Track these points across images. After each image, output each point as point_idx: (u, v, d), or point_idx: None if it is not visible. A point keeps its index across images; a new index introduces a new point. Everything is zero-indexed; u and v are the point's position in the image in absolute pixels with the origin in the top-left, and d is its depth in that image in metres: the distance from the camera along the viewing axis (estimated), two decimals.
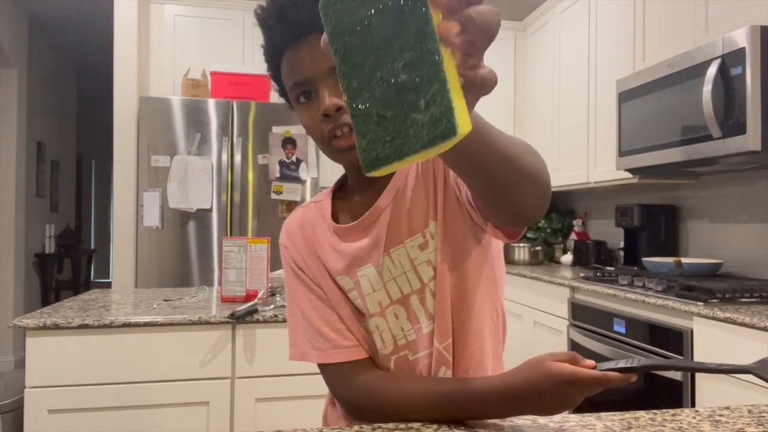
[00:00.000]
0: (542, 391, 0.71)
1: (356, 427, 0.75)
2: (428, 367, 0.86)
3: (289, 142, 3.33)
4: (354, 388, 0.84)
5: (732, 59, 1.98)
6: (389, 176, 0.86)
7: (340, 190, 0.95)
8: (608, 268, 2.96)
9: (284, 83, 0.83)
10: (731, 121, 1.98)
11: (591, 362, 0.73)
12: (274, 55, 0.83)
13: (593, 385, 0.70)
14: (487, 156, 0.56)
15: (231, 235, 3.26)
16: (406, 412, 0.79)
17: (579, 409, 1.61)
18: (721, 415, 0.81)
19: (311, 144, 3.35)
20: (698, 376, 1.88)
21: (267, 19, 0.80)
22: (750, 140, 1.92)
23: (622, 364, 0.72)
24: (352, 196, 0.92)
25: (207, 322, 1.75)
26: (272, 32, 0.81)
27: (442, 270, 0.84)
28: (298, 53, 0.79)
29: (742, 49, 1.94)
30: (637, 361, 0.72)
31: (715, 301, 1.93)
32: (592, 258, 3.39)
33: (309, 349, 0.88)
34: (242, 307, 1.77)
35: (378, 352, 0.87)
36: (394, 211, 0.86)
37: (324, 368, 0.88)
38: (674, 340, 1.97)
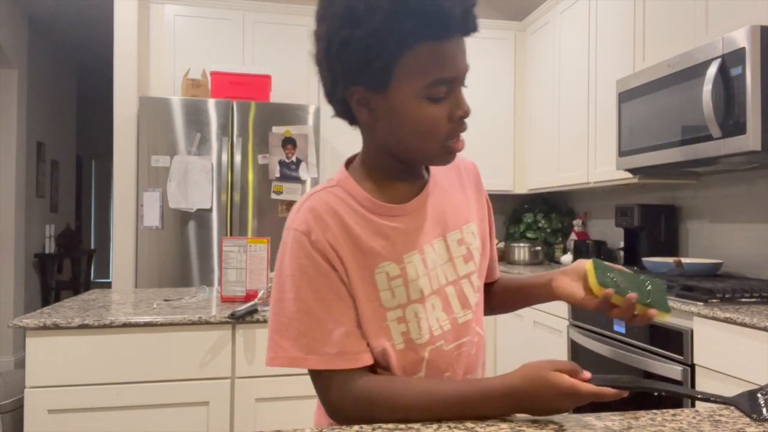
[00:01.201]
0: (540, 398, 0.76)
1: (356, 427, 0.75)
2: (464, 357, 0.90)
3: (289, 142, 3.33)
4: (348, 395, 0.81)
5: (732, 59, 1.98)
6: (427, 170, 0.93)
7: (362, 177, 0.89)
8: None
9: (413, 72, 0.78)
10: (731, 121, 1.98)
11: (588, 374, 0.77)
12: (402, 37, 0.76)
13: (589, 398, 0.75)
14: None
15: (231, 235, 3.26)
16: (404, 416, 0.78)
17: (579, 409, 1.61)
18: (721, 415, 0.81)
19: (311, 144, 3.36)
20: (698, 375, 1.88)
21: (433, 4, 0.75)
22: (750, 140, 1.92)
23: (613, 379, 0.78)
24: (389, 184, 0.88)
25: (207, 322, 1.75)
26: (426, 17, 0.75)
27: (480, 269, 0.94)
28: (450, 49, 0.78)
29: (742, 49, 1.94)
30: (632, 380, 0.80)
31: (715, 301, 1.93)
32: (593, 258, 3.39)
33: (303, 353, 0.81)
34: (242, 307, 1.77)
35: (413, 341, 0.85)
36: (438, 203, 0.90)
37: (318, 373, 0.82)
38: (674, 340, 1.97)
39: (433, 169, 0.94)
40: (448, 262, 0.89)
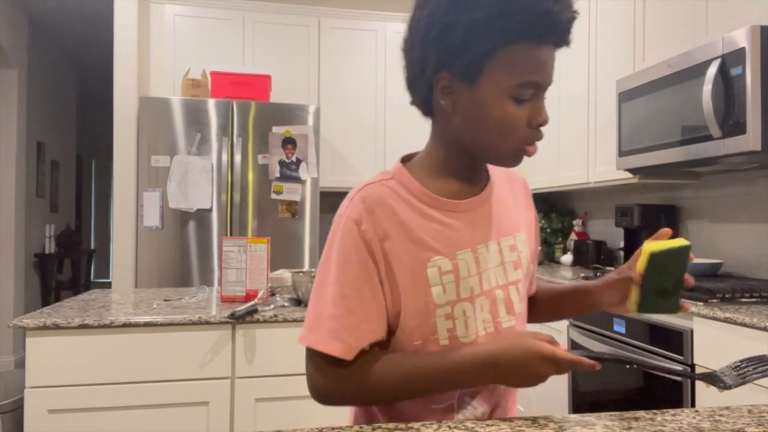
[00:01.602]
0: (520, 364, 0.77)
1: (356, 427, 0.75)
2: None
3: (289, 142, 3.33)
4: (344, 379, 0.81)
5: (732, 59, 1.98)
6: (488, 171, 0.93)
7: (421, 171, 0.89)
8: (608, 268, 2.97)
9: (505, 69, 0.79)
10: (731, 121, 1.98)
11: (563, 347, 0.81)
12: (503, 32, 0.77)
13: (568, 366, 0.77)
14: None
15: (231, 235, 3.26)
16: (390, 397, 0.83)
17: (579, 409, 1.61)
18: (721, 415, 0.81)
19: (311, 144, 3.36)
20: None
21: (551, 7, 0.77)
22: (750, 140, 1.92)
23: (588, 351, 0.82)
24: (448, 180, 0.88)
25: (207, 322, 1.75)
26: (531, 17, 0.76)
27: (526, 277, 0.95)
28: (544, 55, 0.80)
29: (742, 49, 1.94)
30: (608, 353, 0.82)
31: (715, 301, 1.92)
32: (592, 258, 3.39)
33: (328, 337, 0.80)
34: (242, 307, 1.77)
35: (458, 339, 0.85)
36: (495, 207, 0.90)
37: (319, 356, 0.81)
38: (674, 340, 1.97)
39: (492, 173, 0.94)
40: (500, 266, 0.88)
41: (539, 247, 1.04)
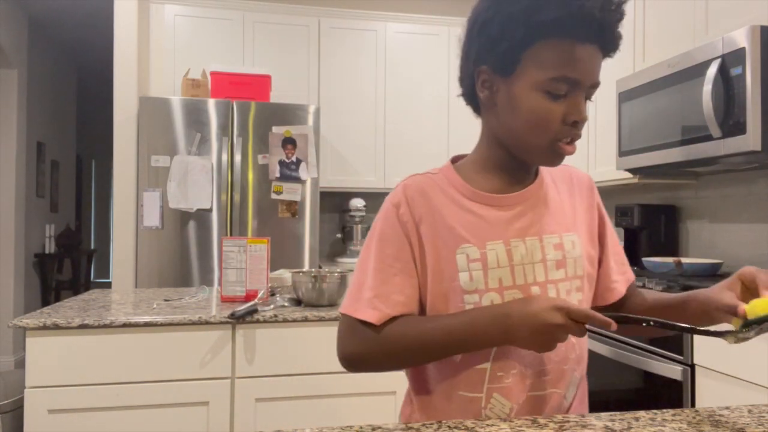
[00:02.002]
0: (533, 314, 0.77)
1: (356, 427, 0.75)
2: (537, 358, 0.86)
3: (289, 142, 3.33)
4: (370, 340, 0.86)
5: (732, 59, 1.98)
6: (536, 170, 0.94)
7: (468, 168, 0.94)
8: None
9: (539, 63, 0.81)
10: (731, 121, 1.98)
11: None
12: (537, 26, 0.79)
13: (580, 316, 0.76)
14: None
15: (231, 235, 3.26)
16: (404, 362, 0.90)
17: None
18: (721, 415, 0.81)
19: (311, 144, 3.36)
20: (698, 375, 1.88)
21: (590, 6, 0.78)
22: (750, 140, 1.92)
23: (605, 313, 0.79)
24: (491, 177, 0.91)
25: (207, 322, 1.75)
26: (563, 13, 0.78)
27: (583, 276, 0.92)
28: (580, 53, 0.81)
29: (742, 49, 1.94)
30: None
31: None
32: None
33: (364, 306, 0.87)
34: (242, 307, 1.77)
35: None
36: (540, 205, 0.91)
37: (353, 322, 0.87)
38: (674, 340, 1.97)
39: (544, 173, 0.94)
40: (540, 263, 0.88)
41: (615, 242, 0.99)
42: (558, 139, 0.83)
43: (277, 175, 3.32)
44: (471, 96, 0.92)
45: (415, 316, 0.88)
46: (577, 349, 0.90)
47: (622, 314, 0.80)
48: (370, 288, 0.87)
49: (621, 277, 0.99)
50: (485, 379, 0.86)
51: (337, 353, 0.89)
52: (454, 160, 0.97)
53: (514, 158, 0.90)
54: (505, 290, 0.86)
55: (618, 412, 0.83)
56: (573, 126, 0.83)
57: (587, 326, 0.78)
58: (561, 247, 0.89)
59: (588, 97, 0.85)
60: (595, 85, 0.85)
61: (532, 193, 0.91)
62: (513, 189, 0.90)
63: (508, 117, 0.85)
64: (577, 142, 0.87)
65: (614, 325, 0.77)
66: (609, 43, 0.84)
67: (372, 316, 0.85)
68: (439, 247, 0.87)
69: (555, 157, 0.86)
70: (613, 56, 0.87)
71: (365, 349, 0.87)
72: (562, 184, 0.96)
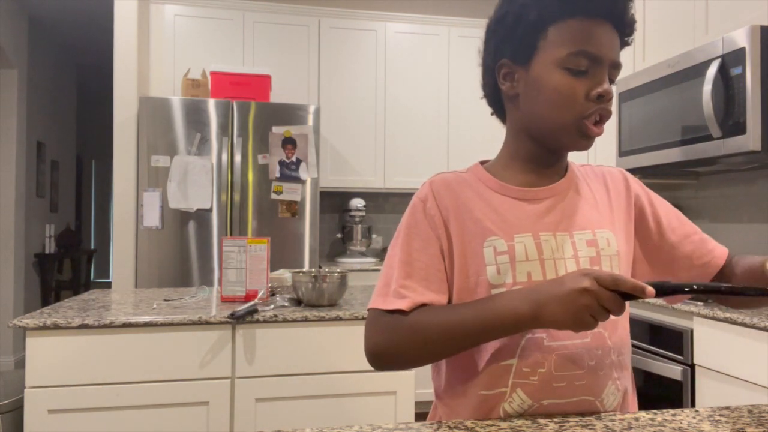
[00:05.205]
0: (559, 281, 0.74)
1: (356, 427, 0.75)
2: (568, 357, 0.83)
3: (289, 142, 3.33)
4: (398, 329, 0.84)
5: (732, 59, 1.98)
6: (566, 165, 0.94)
7: (496, 166, 0.94)
8: None
9: (555, 43, 0.82)
10: (731, 121, 1.98)
11: None
12: (548, 11, 0.82)
13: (608, 281, 0.71)
14: None
15: (231, 235, 3.26)
16: (432, 350, 0.84)
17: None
18: (721, 415, 0.81)
19: (311, 144, 3.36)
20: (698, 375, 1.88)
21: None
22: (750, 140, 1.92)
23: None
24: (520, 171, 0.91)
25: (207, 322, 1.75)
26: None
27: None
28: (596, 30, 0.82)
29: (742, 49, 1.94)
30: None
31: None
32: None
33: (393, 296, 0.86)
34: (242, 307, 1.77)
35: None
36: (570, 201, 0.90)
37: (381, 314, 0.86)
38: (674, 340, 1.97)
39: (576, 171, 0.94)
40: (572, 259, 0.86)
41: (670, 215, 0.99)
42: (584, 117, 0.82)
43: (277, 175, 3.32)
44: (494, 98, 0.93)
45: (444, 305, 0.87)
46: (613, 354, 0.86)
47: (659, 281, 0.74)
48: (397, 279, 0.87)
49: (705, 259, 1.00)
50: (511, 374, 0.83)
51: (364, 351, 0.87)
52: (482, 163, 0.96)
53: (542, 149, 0.89)
54: (534, 284, 0.84)
55: (618, 412, 0.83)
56: (598, 101, 0.82)
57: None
58: (594, 243, 0.87)
59: (612, 79, 0.84)
60: (617, 65, 0.84)
61: (563, 188, 0.90)
62: (542, 184, 0.90)
63: (531, 102, 0.86)
64: None
65: (651, 291, 0.70)
66: (622, 22, 0.84)
67: (401, 304, 0.84)
68: (467, 241, 0.86)
69: (582, 138, 0.84)
70: (630, 42, 0.87)
71: (394, 339, 0.84)
72: (595, 182, 0.95)
